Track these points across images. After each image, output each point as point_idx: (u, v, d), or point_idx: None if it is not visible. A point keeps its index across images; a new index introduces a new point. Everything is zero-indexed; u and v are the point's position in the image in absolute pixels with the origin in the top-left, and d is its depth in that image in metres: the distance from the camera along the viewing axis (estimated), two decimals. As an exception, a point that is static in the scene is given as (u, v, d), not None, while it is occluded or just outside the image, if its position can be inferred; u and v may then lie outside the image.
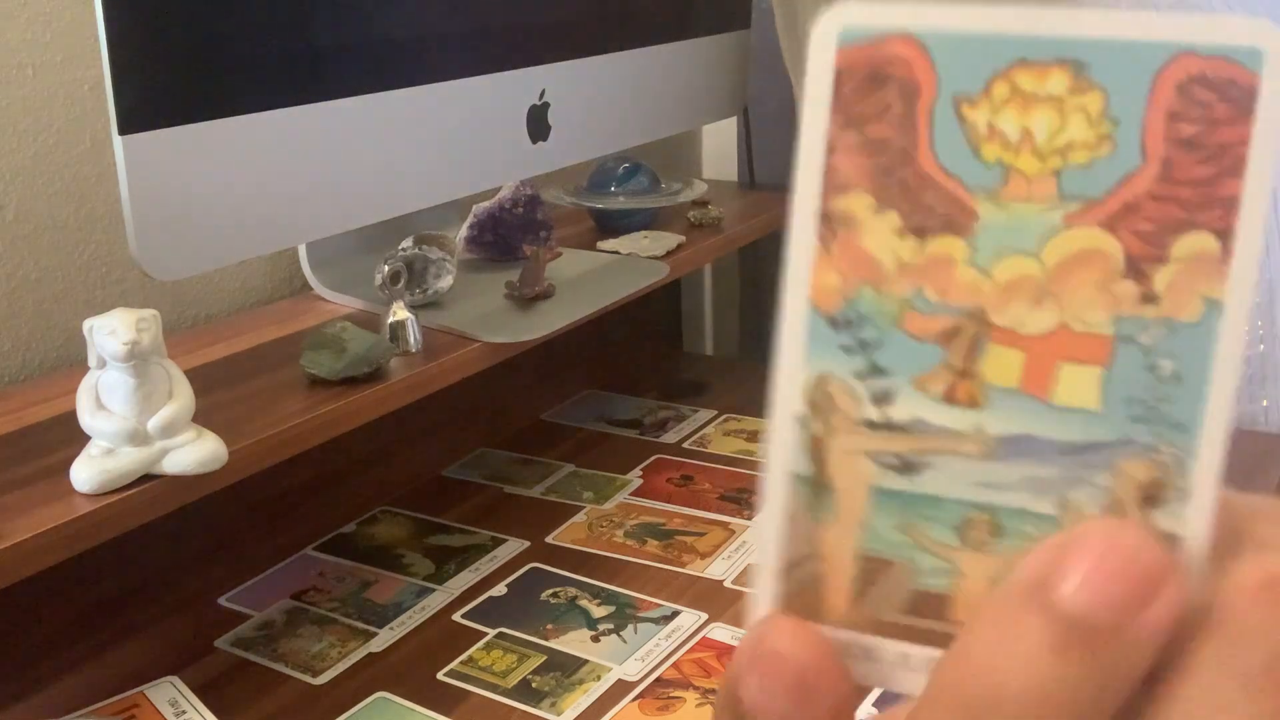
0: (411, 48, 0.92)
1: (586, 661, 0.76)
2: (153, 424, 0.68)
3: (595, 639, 0.78)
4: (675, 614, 0.81)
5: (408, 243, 0.98)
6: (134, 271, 0.96)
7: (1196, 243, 0.20)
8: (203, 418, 0.70)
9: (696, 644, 0.78)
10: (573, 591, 0.84)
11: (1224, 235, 0.19)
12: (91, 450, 0.67)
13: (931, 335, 0.21)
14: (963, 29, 0.20)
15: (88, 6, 0.83)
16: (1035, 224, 0.20)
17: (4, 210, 0.89)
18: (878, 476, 0.21)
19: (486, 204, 1.10)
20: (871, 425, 0.21)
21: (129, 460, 0.67)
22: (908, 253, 0.21)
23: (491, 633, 0.79)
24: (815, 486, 0.21)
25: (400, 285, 0.96)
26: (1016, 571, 0.19)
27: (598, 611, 0.82)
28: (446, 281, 0.98)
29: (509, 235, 1.09)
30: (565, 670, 0.75)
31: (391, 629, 0.80)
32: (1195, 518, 0.20)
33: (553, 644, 0.78)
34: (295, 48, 0.84)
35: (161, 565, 0.85)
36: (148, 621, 0.80)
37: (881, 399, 0.21)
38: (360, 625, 0.80)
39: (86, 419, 0.67)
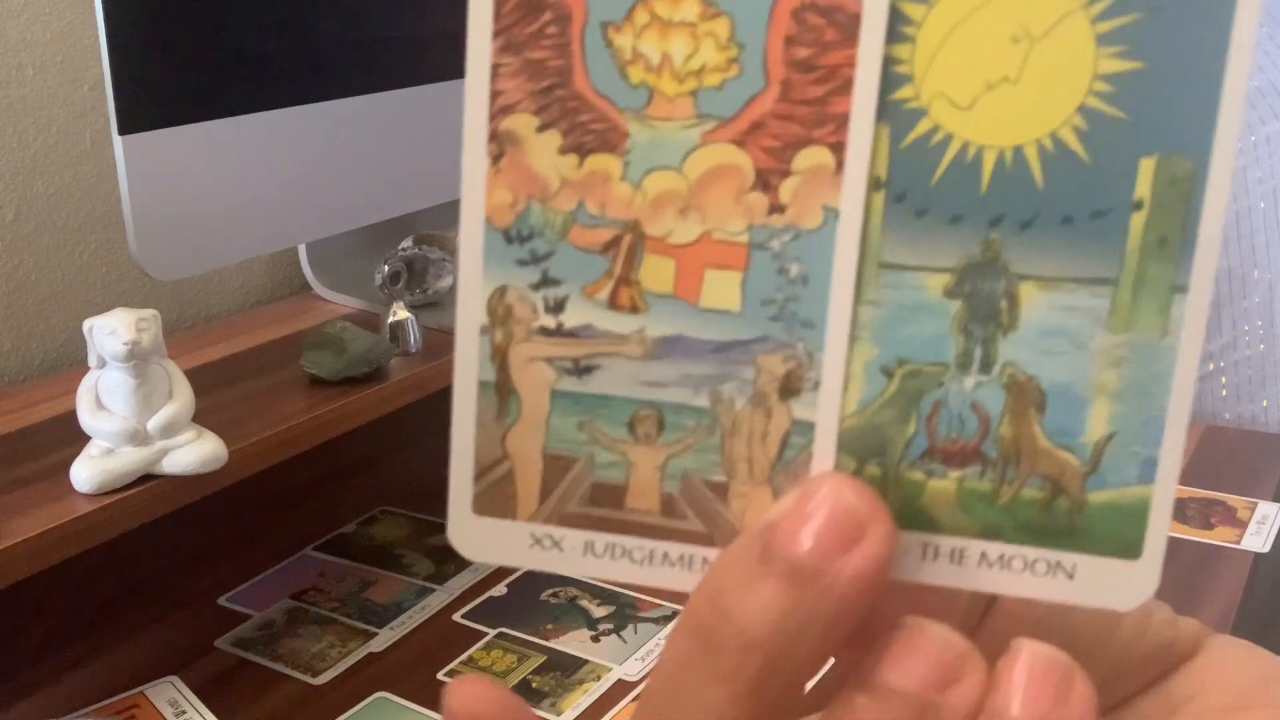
0: (412, 47, 0.92)
1: (586, 661, 0.76)
2: (153, 424, 0.68)
3: (595, 639, 0.78)
4: (676, 614, 0.81)
5: (408, 243, 0.98)
6: (134, 271, 0.96)
7: (814, 156, 0.21)
8: (203, 418, 0.70)
9: (697, 644, 0.78)
10: (573, 591, 0.84)
11: (837, 149, 0.21)
12: (91, 450, 0.67)
13: (595, 246, 0.22)
14: None
15: (88, 6, 0.83)
16: (678, 141, 0.22)
17: (4, 210, 0.89)
18: (555, 380, 0.23)
19: (486, 204, 1.10)
20: (546, 332, 0.23)
21: (129, 460, 0.67)
22: (569, 169, 0.22)
23: (491, 633, 0.79)
24: (500, 392, 0.23)
25: (400, 285, 0.96)
26: (760, 516, 0.22)
27: (598, 611, 0.81)
28: (446, 281, 0.98)
29: (509, 235, 1.09)
30: (565, 670, 0.75)
31: (391, 629, 0.80)
32: (825, 405, 0.22)
33: (553, 644, 0.78)
34: (295, 47, 0.84)
35: (161, 565, 0.85)
36: (148, 621, 0.80)
37: (555, 307, 0.22)
38: (360, 625, 0.80)
39: (86, 419, 0.67)
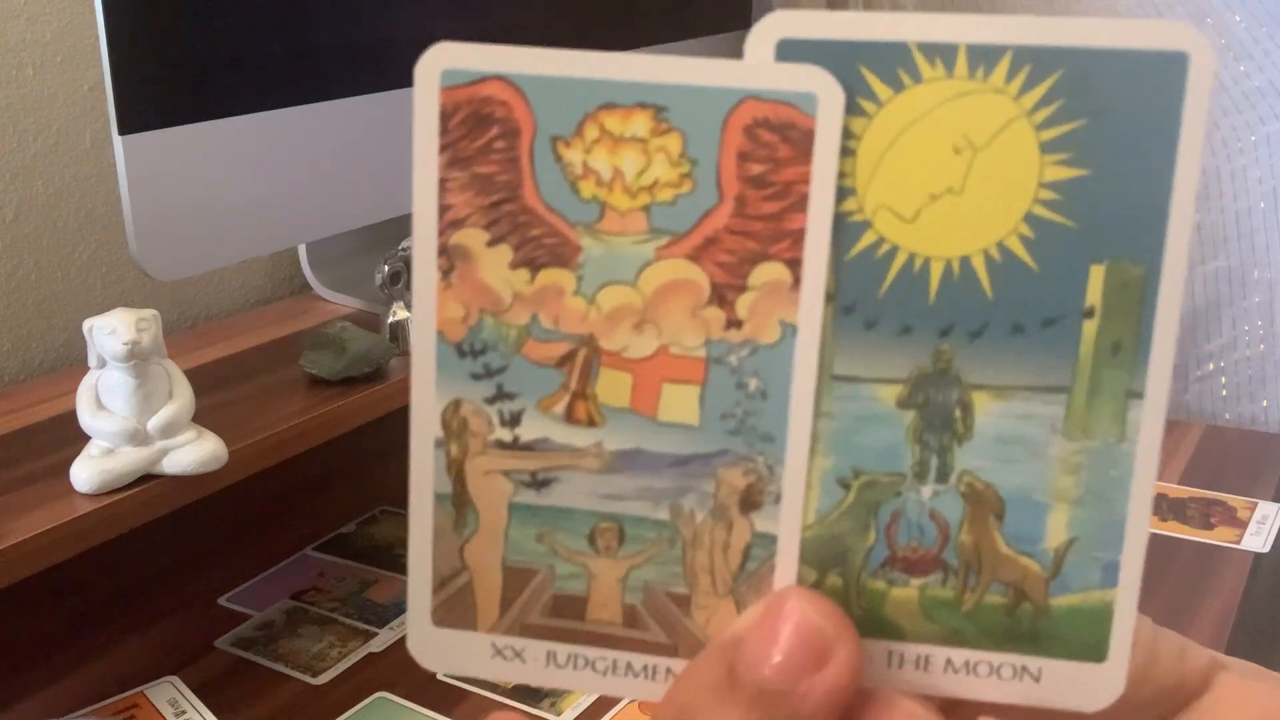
0: (412, 47, 0.92)
1: (587, 661, 0.76)
2: (153, 424, 0.67)
3: (595, 639, 0.78)
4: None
5: (408, 243, 0.98)
6: (134, 271, 0.96)
7: (770, 272, 0.21)
8: (203, 418, 0.70)
9: (697, 644, 0.78)
10: (573, 591, 0.84)
11: (793, 265, 0.21)
12: (91, 450, 0.67)
13: (550, 360, 0.22)
14: (552, 74, 0.21)
15: (88, 6, 0.83)
16: (631, 256, 0.22)
17: (4, 210, 0.89)
18: (513, 492, 0.23)
19: (486, 204, 1.10)
20: (503, 445, 0.22)
21: (129, 460, 0.67)
22: (521, 283, 0.22)
23: (491, 633, 0.79)
24: (457, 504, 0.23)
25: (400, 285, 0.96)
26: (727, 629, 0.22)
27: (598, 611, 0.81)
28: (446, 281, 0.98)
29: (509, 235, 1.09)
30: (565, 670, 0.75)
31: (391, 629, 0.80)
32: (787, 518, 0.22)
33: (553, 644, 0.78)
34: (295, 47, 0.84)
35: (161, 565, 0.85)
36: (148, 621, 0.80)
37: (511, 421, 0.22)
38: (360, 625, 0.80)
39: (86, 419, 0.67)
